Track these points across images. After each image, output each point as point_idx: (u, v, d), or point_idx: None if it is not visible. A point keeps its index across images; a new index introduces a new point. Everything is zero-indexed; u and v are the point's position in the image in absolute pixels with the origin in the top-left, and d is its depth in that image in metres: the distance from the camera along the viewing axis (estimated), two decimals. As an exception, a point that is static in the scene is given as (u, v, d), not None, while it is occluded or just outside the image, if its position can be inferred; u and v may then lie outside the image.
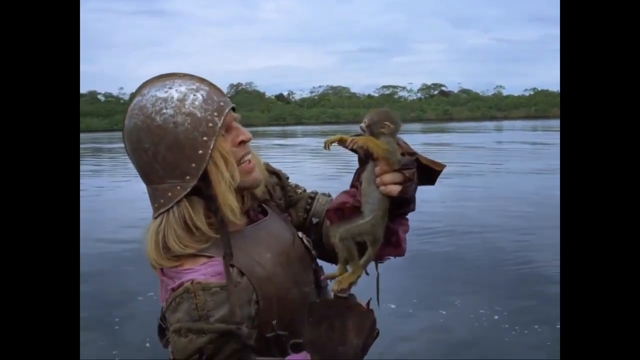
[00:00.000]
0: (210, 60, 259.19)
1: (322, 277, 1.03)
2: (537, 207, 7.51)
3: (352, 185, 0.94)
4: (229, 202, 0.89)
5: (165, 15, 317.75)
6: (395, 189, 0.85)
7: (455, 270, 4.87)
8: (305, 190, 1.16)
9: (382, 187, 0.86)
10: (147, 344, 3.34)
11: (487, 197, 8.65)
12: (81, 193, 8.51)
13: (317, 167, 13.45)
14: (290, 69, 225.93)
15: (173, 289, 0.87)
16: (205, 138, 0.89)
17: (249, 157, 0.95)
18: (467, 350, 3.34)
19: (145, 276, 0.91)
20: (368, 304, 0.90)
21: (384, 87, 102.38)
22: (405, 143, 0.89)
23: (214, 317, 0.84)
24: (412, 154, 0.87)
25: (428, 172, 0.89)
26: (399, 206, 0.89)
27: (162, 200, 0.90)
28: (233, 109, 0.95)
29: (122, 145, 0.95)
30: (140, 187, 0.96)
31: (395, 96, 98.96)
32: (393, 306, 3.85)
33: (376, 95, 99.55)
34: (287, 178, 1.14)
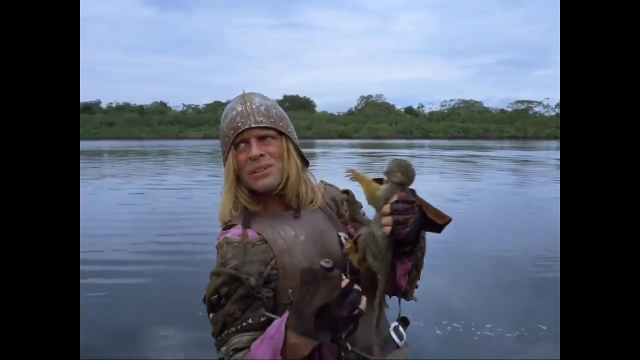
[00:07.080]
0: (344, 71, 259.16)
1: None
2: None
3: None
4: (225, 197, 1.18)
5: (302, 28, 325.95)
6: (387, 230, 0.98)
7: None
8: None
9: (382, 227, 1.00)
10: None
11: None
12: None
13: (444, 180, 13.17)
14: (422, 81, 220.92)
15: (216, 247, 1.13)
16: (224, 148, 1.17)
17: (261, 171, 1.13)
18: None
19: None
20: (350, 281, 0.94)
21: (518, 102, 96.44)
22: (410, 193, 1.00)
23: (229, 265, 1.05)
24: (411, 202, 0.98)
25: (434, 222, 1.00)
26: (399, 245, 1.01)
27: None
28: (281, 128, 1.15)
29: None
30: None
31: (530, 112, 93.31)
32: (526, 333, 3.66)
33: (509, 110, 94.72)
34: (361, 207, 1.21)
